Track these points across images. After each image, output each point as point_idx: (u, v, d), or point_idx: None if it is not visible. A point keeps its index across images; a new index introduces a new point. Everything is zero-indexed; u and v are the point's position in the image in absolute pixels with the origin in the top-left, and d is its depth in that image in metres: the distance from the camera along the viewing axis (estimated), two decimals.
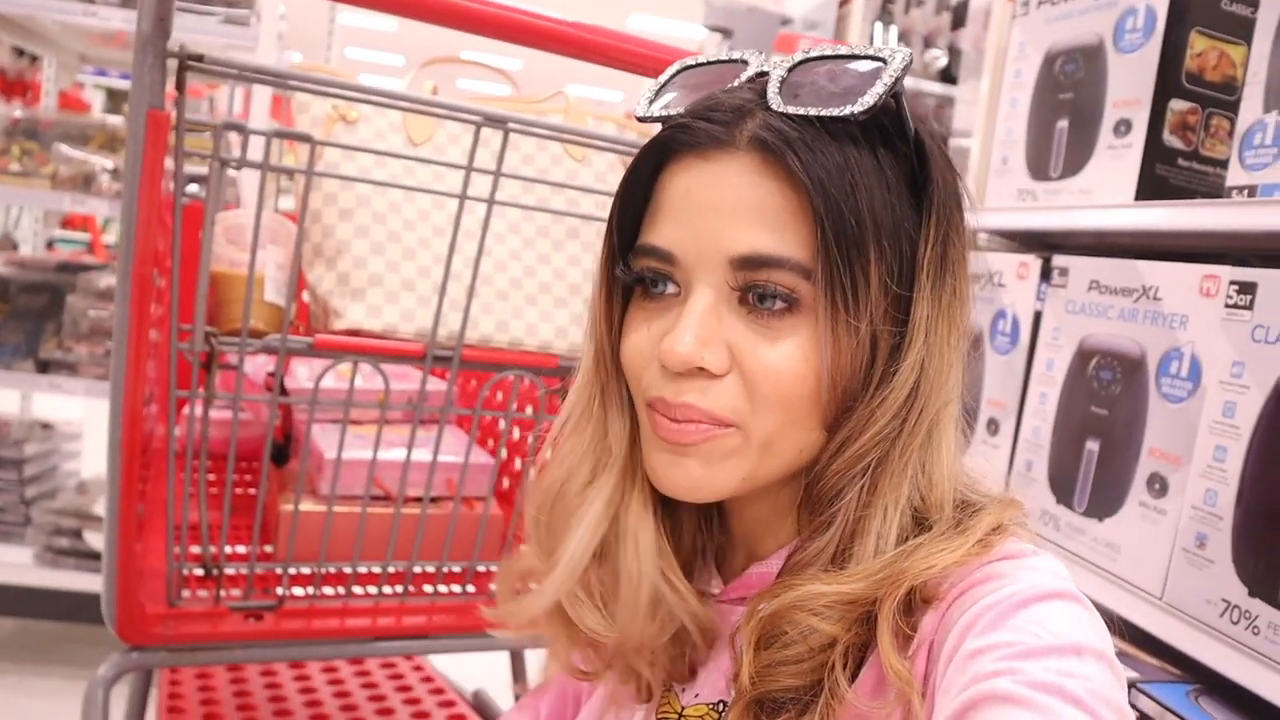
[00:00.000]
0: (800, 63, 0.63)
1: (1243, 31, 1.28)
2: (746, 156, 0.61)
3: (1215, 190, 1.31)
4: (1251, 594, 0.99)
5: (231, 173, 1.11)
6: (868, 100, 0.59)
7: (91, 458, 3.21)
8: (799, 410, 0.62)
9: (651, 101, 0.68)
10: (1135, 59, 1.32)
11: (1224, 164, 1.26)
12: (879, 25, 3.41)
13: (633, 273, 0.66)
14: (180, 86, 0.88)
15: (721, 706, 0.68)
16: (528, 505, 0.75)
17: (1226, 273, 1.07)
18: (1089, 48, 1.39)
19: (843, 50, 0.62)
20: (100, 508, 2.76)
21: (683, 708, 0.71)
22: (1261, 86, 1.11)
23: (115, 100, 4.71)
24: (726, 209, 0.61)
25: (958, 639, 0.55)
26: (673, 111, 0.65)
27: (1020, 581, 0.57)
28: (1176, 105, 1.30)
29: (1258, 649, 0.97)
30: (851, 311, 0.60)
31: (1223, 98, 1.31)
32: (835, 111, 0.59)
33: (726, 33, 4.28)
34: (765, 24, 3.79)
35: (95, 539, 2.71)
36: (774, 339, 0.61)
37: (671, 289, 0.64)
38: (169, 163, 0.90)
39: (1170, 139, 1.30)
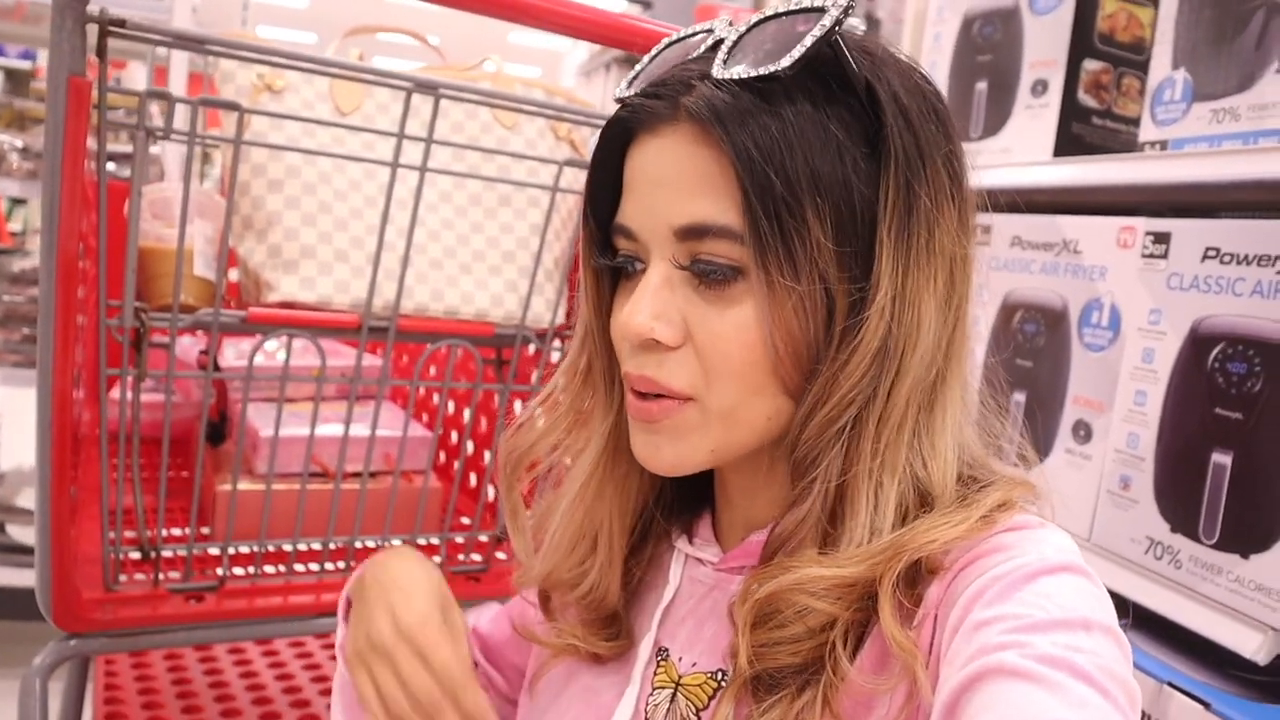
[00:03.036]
0: (755, 24, 0.62)
1: None
2: (687, 128, 0.60)
3: (1127, 147, 1.35)
4: (1173, 530, 1.03)
5: (154, 148, 1.08)
6: (794, 54, 0.58)
7: (9, 449, 3.05)
8: (754, 379, 0.61)
9: (630, 83, 0.67)
10: (1050, 20, 1.35)
11: (1135, 122, 1.30)
12: None
13: (615, 256, 0.66)
14: (101, 54, 0.85)
15: (720, 675, 0.67)
16: (501, 453, 0.78)
17: (1142, 224, 1.11)
18: (1005, 10, 1.42)
19: (791, 6, 0.61)
20: (21, 499, 2.69)
21: (680, 676, 0.69)
22: (1170, 45, 1.15)
23: (15, 81, 4.50)
24: (670, 182, 0.61)
25: (964, 610, 0.54)
26: (638, 89, 0.65)
27: (1028, 554, 0.56)
28: (1090, 65, 1.34)
29: (1181, 582, 1.01)
30: (787, 273, 0.58)
31: (1133, 57, 1.35)
32: (764, 71, 0.58)
33: (646, 4, 4.26)
34: None
35: (17, 531, 2.64)
36: (722, 309, 0.60)
37: (639, 266, 0.65)
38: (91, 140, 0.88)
39: (1085, 98, 1.34)
